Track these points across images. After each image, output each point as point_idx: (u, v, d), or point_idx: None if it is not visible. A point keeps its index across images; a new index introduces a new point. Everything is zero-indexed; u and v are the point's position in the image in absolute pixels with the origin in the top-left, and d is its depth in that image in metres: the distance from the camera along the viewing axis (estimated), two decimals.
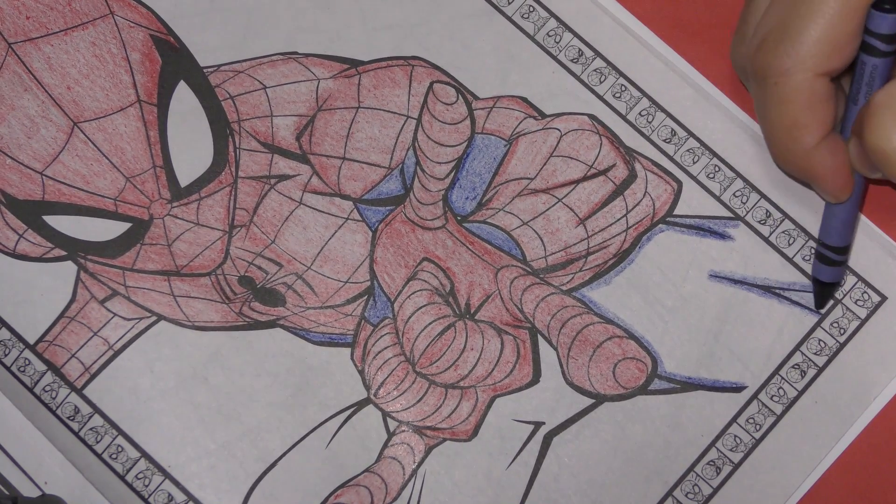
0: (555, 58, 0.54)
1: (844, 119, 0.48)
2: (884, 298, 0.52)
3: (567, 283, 0.53)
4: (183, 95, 0.55)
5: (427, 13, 0.55)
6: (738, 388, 0.52)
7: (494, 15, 0.54)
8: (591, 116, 0.54)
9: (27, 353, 0.53)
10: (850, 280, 0.52)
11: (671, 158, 0.53)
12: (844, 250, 0.51)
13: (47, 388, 0.52)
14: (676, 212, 0.53)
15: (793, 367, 0.52)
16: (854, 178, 0.48)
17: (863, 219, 0.52)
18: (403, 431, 0.52)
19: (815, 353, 0.52)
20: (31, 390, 0.52)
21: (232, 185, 0.54)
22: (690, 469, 0.51)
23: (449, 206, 0.54)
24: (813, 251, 0.52)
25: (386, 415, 0.52)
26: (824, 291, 0.52)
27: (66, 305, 0.53)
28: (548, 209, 0.53)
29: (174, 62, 0.55)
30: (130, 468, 0.52)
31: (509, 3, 0.54)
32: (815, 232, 0.52)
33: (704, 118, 0.53)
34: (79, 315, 0.53)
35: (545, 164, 0.53)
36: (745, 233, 0.53)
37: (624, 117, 0.53)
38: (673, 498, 0.51)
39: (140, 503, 0.52)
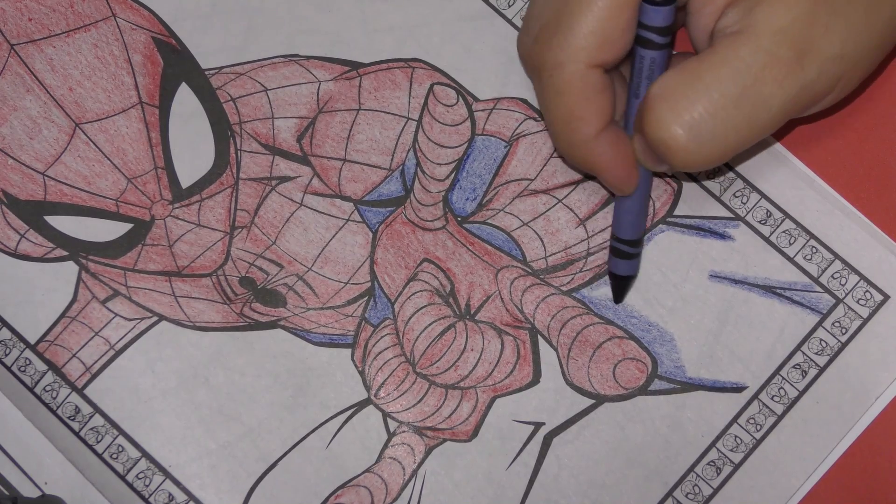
0: None
1: (627, 113, 0.48)
2: (886, 297, 0.52)
3: (567, 283, 0.53)
4: (184, 97, 0.55)
5: (427, 15, 0.55)
6: (738, 389, 0.52)
7: (495, 17, 0.55)
8: None
9: (28, 353, 0.53)
10: (852, 279, 0.52)
11: None
12: (637, 243, 0.51)
13: (48, 388, 0.52)
14: (676, 212, 0.53)
15: (794, 367, 0.52)
16: (640, 171, 0.48)
17: (864, 218, 0.52)
18: (404, 432, 0.52)
19: (816, 353, 0.52)
20: (31, 390, 0.52)
21: (233, 187, 0.54)
22: (691, 469, 0.51)
23: (449, 207, 0.54)
24: (610, 246, 0.52)
25: (386, 415, 0.52)
26: (621, 285, 0.52)
27: (68, 305, 0.53)
28: (548, 210, 0.53)
29: (176, 64, 0.55)
30: (131, 468, 0.52)
31: (509, 6, 0.55)
32: (815, 232, 0.52)
33: None
34: (80, 315, 0.53)
35: (545, 164, 0.54)
36: (746, 233, 0.53)
37: None
38: (673, 498, 0.51)
39: (140, 503, 0.52)
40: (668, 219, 0.53)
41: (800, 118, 0.49)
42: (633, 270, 0.52)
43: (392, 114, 0.54)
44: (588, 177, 0.53)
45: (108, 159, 0.54)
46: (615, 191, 0.49)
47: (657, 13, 0.45)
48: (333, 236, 0.54)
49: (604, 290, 0.53)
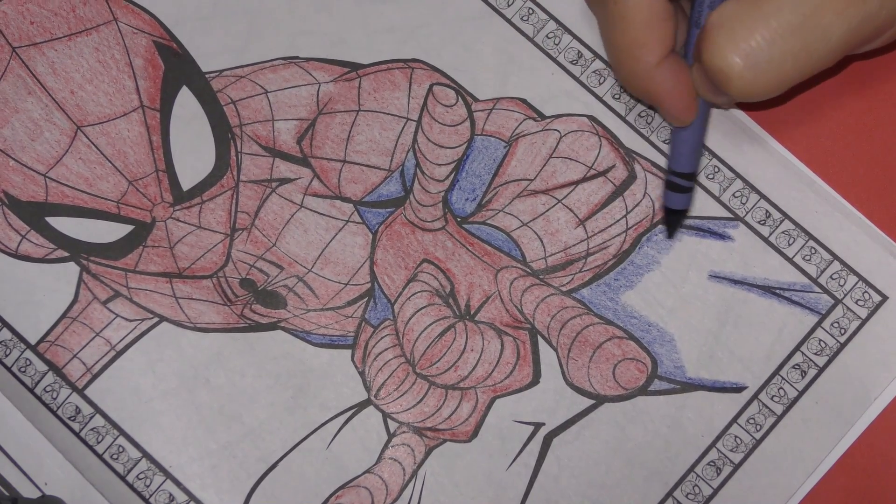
0: (554, 60, 0.54)
1: (687, 43, 0.48)
2: (885, 298, 0.52)
3: (567, 283, 0.53)
4: (185, 100, 0.55)
5: (427, 16, 0.55)
6: (738, 389, 0.52)
7: (494, 17, 0.55)
8: (591, 118, 0.54)
9: (28, 354, 0.53)
10: (851, 280, 0.52)
11: None
12: (692, 176, 0.51)
13: (48, 389, 0.53)
14: None
15: (793, 367, 0.52)
16: (699, 102, 0.48)
17: (863, 219, 0.52)
18: (404, 432, 0.52)
19: (815, 354, 0.52)
20: (31, 391, 0.52)
21: (234, 189, 0.54)
22: (691, 469, 0.51)
23: (449, 207, 0.54)
24: (665, 180, 0.52)
25: (386, 416, 0.52)
26: (675, 219, 0.52)
27: (68, 306, 0.53)
28: (547, 210, 0.53)
29: (177, 67, 0.55)
30: (131, 469, 0.52)
31: (509, 6, 0.55)
32: (814, 232, 0.52)
33: None
34: (81, 316, 0.53)
35: (545, 165, 0.54)
36: (745, 233, 0.53)
37: (623, 118, 0.54)
38: (673, 498, 0.51)
39: (141, 503, 0.52)
40: None
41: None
42: (687, 204, 0.52)
43: (391, 114, 0.54)
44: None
45: (110, 162, 0.54)
46: (674, 121, 0.49)
47: None
48: (333, 237, 0.54)
49: (603, 291, 0.53)
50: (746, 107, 0.54)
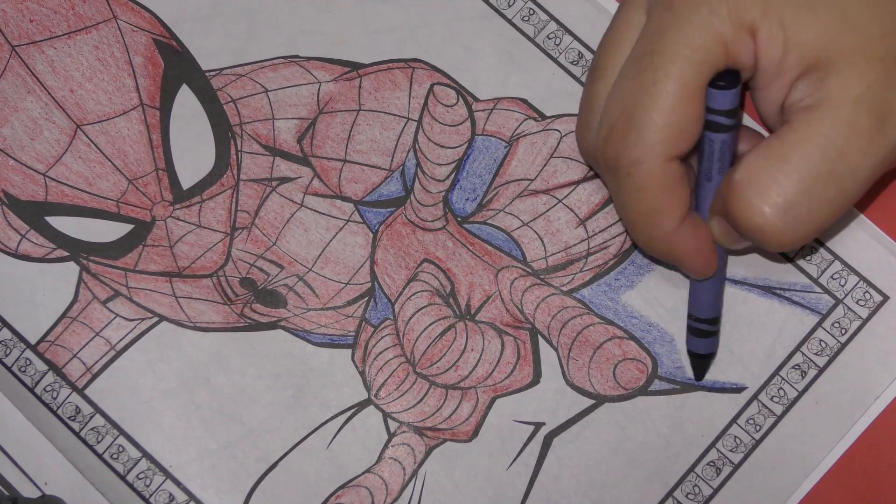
0: (555, 60, 0.54)
1: (698, 196, 0.48)
2: (885, 298, 0.52)
3: (567, 283, 0.53)
4: (185, 99, 0.55)
5: (428, 16, 0.55)
6: (738, 389, 0.52)
7: (495, 17, 0.55)
8: None
9: (28, 353, 0.53)
10: (851, 280, 0.52)
11: None
12: (716, 321, 0.51)
13: (48, 389, 0.53)
14: None
15: (793, 367, 0.52)
16: (718, 253, 0.48)
17: (864, 218, 0.52)
18: (404, 432, 0.52)
19: (815, 354, 0.52)
20: (31, 391, 0.52)
21: (234, 188, 0.54)
22: (691, 470, 0.51)
23: (449, 207, 0.54)
24: (688, 325, 0.52)
25: (386, 415, 0.52)
26: (701, 363, 0.52)
27: (68, 306, 0.53)
28: (548, 210, 0.53)
29: (176, 66, 0.55)
30: (131, 468, 0.52)
31: (510, 6, 0.55)
32: None
33: None
34: (80, 315, 0.53)
35: (545, 165, 0.54)
36: None
37: None
38: (673, 498, 0.51)
39: (141, 503, 0.52)
40: None
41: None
42: (713, 348, 0.51)
43: (392, 114, 0.54)
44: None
45: (109, 161, 0.54)
46: (695, 276, 0.49)
47: (724, 97, 0.45)
48: (334, 237, 0.54)
49: (604, 291, 0.53)
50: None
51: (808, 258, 0.52)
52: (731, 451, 0.51)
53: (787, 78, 0.45)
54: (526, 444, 0.52)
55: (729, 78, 0.44)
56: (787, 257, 0.52)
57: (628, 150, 0.44)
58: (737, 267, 0.52)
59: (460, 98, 0.54)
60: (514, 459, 0.52)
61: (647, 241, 0.47)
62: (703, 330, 0.50)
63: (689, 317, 0.51)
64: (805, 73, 0.44)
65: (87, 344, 0.53)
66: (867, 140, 0.43)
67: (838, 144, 0.43)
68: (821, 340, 0.52)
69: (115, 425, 0.52)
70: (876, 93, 0.43)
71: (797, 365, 0.52)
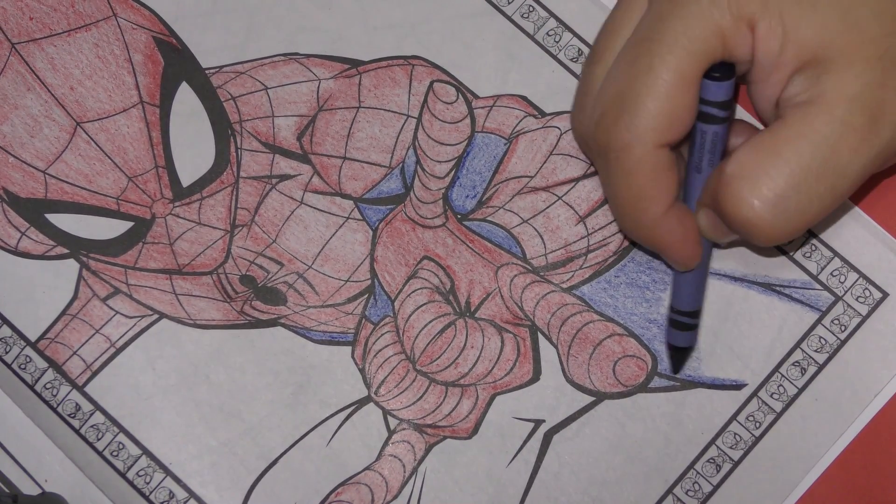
0: (554, 57, 0.54)
1: (687, 188, 0.48)
2: (885, 295, 0.52)
3: (567, 280, 0.53)
4: (185, 96, 0.55)
5: (427, 13, 0.55)
6: (738, 386, 0.52)
7: (494, 14, 0.55)
8: None
9: (28, 351, 0.53)
10: (851, 277, 0.52)
11: None
12: (696, 314, 0.51)
13: (48, 386, 0.53)
14: None
15: (793, 364, 0.52)
16: (703, 244, 0.48)
17: (864, 215, 0.52)
18: (404, 429, 0.52)
19: (815, 351, 0.52)
20: (31, 388, 0.52)
21: (233, 185, 0.54)
22: (690, 467, 0.51)
23: (449, 204, 0.54)
24: (668, 317, 0.52)
25: (386, 413, 0.52)
26: (679, 356, 0.52)
27: (68, 303, 0.53)
28: (548, 207, 0.53)
29: (176, 64, 0.55)
30: (131, 466, 0.52)
31: (509, 3, 0.55)
32: (814, 229, 0.52)
33: None
34: (80, 312, 0.53)
35: (545, 162, 0.54)
36: None
37: None
38: (673, 496, 0.51)
39: (141, 501, 0.52)
40: None
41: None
42: (691, 342, 0.51)
43: (392, 111, 0.54)
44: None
45: (109, 158, 0.54)
46: (678, 267, 0.49)
47: (719, 88, 0.45)
48: (334, 234, 0.54)
49: (604, 288, 0.53)
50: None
51: (808, 255, 0.52)
52: (731, 447, 0.51)
53: (783, 73, 0.45)
54: (526, 442, 0.52)
55: (724, 70, 0.45)
56: (782, 251, 0.52)
57: (620, 133, 0.45)
58: (737, 264, 0.52)
59: (460, 95, 0.54)
60: (514, 457, 0.52)
61: (633, 227, 0.47)
62: (684, 323, 0.50)
63: (670, 309, 0.51)
64: (802, 69, 0.44)
65: (87, 341, 0.53)
66: (859, 139, 0.44)
67: (831, 142, 0.43)
68: (820, 337, 0.52)
69: (115, 422, 0.52)
70: (871, 92, 0.43)
71: (797, 362, 0.52)
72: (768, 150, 0.44)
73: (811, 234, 0.52)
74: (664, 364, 0.52)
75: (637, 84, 0.44)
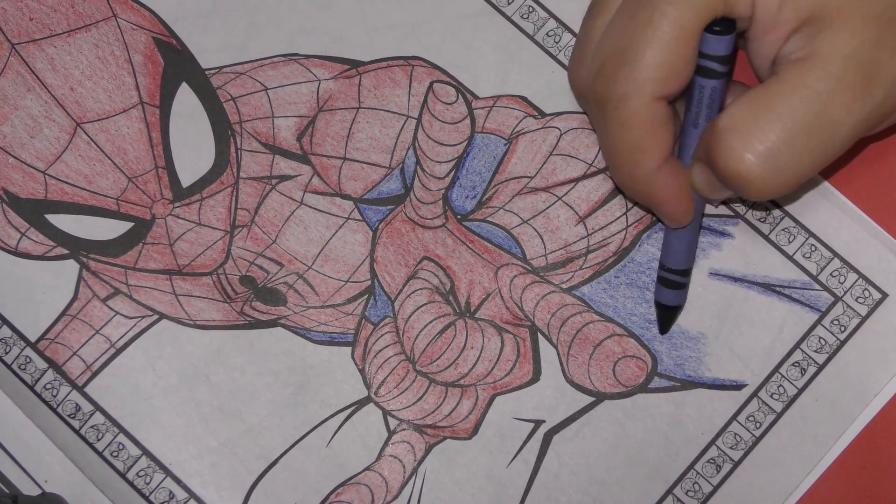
0: (554, 57, 0.54)
1: (683, 144, 0.48)
2: (885, 296, 0.52)
3: (567, 281, 0.53)
4: (185, 97, 0.55)
5: (427, 13, 0.55)
6: (738, 386, 0.52)
7: (494, 15, 0.55)
8: None
9: (28, 351, 0.53)
10: (851, 277, 0.52)
11: None
12: (686, 272, 0.51)
13: (48, 386, 0.53)
14: None
15: (793, 364, 0.52)
16: (696, 201, 0.48)
17: (863, 215, 0.52)
18: (404, 430, 0.52)
19: (815, 351, 0.52)
20: (31, 388, 0.52)
21: (233, 186, 0.54)
22: (691, 467, 0.51)
23: (449, 204, 0.54)
24: (658, 275, 0.52)
25: (386, 413, 0.52)
26: (668, 315, 0.52)
27: (68, 303, 0.53)
28: (548, 207, 0.53)
29: (176, 64, 0.55)
30: (131, 466, 0.52)
31: (509, 4, 0.55)
32: (814, 229, 0.52)
33: None
34: (80, 313, 0.53)
35: (545, 162, 0.54)
36: (745, 231, 0.53)
37: None
38: (673, 496, 0.51)
39: (141, 501, 0.52)
40: None
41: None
42: (680, 300, 0.52)
43: (392, 112, 0.54)
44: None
45: (109, 158, 0.54)
46: (670, 223, 0.49)
47: (719, 42, 0.45)
48: (333, 235, 0.54)
49: (604, 288, 0.53)
50: None
51: (808, 256, 0.52)
52: (731, 448, 0.51)
53: (781, 31, 0.45)
54: (526, 442, 0.52)
55: (725, 25, 0.45)
56: (787, 255, 0.52)
57: (618, 84, 0.45)
58: (737, 264, 0.52)
59: (460, 96, 0.54)
60: (514, 457, 0.52)
61: (627, 180, 0.47)
62: (674, 281, 0.50)
63: (661, 267, 0.51)
64: (799, 27, 0.45)
65: (87, 342, 0.53)
66: (853, 97, 0.44)
67: (824, 98, 0.44)
68: (820, 338, 0.52)
69: (115, 423, 0.52)
70: (866, 51, 0.44)
71: (797, 362, 0.52)
72: (761, 105, 0.44)
73: (810, 233, 0.52)
74: (664, 364, 0.52)
75: (637, 35, 0.44)
